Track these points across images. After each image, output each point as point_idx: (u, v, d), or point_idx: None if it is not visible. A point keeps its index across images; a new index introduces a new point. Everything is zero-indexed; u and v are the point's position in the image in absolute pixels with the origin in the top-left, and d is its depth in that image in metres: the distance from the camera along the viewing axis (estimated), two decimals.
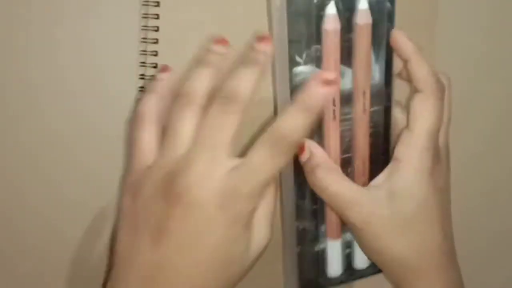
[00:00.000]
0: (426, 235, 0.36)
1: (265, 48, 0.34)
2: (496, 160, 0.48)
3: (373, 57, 0.37)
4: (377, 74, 0.37)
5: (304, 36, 0.35)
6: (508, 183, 0.48)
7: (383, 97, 0.38)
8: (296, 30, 0.35)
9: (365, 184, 0.39)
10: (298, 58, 0.36)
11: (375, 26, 0.36)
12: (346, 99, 0.37)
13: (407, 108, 0.38)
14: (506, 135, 0.47)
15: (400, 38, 0.36)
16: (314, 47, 0.36)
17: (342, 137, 0.38)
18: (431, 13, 0.44)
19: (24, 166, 0.42)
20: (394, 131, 0.39)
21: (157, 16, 0.41)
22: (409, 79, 0.37)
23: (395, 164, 0.37)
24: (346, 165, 0.39)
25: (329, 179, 0.36)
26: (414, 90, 0.37)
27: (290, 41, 0.35)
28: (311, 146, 0.37)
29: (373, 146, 0.39)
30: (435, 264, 0.37)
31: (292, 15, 0.35)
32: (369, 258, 0.41)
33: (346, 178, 0.37)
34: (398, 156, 0.36)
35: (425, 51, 0.42)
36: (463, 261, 0.39)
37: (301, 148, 0.37)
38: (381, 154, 0.39)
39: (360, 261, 0.42)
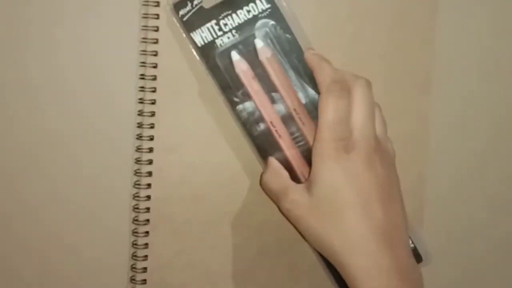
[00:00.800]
0: (341, 218, 0.39)
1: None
2: (497, 161, 0.47)
3: (294, 78, 0.42)
4: (307, 90, 0.42)
5: (228, 81, 0.42)
6: (508, 182, 0.48)
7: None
8: (222, 78, 0.42)
9: None
10: (235, 99, 0.42)
11: (285, 52, 0.42)
12: (288, 120, 0.42)
13: None
14: (507, 135, 0.47)
15: (307, 55, 0.42)
16: (241, 89, 0.42)
17: (306, 150, 0.42)
18: (430, 13, 0.44)
19: (24, 165, 0.43)
20: None
21: (157, 16, 0.41)
22: None
23: (312, 158, 0.40)
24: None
25: (268, 179, 0.42)
26: None
27: (222, 89, 0.42)
28: (269, 159, 0.43)
29: None
30: (356, 248, 0.38)
31: (212, 69, 0.41)
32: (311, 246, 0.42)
33: (283, 177, 0.42)
34: (312, 152, 0.40)
35: (425, 51, 0.42)
36: (469, 262, 0.39)
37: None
38: None
39: None
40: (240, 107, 0.42)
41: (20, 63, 0.41)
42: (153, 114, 0.42)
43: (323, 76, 0.41)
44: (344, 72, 0.41)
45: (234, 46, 0.41)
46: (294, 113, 0.42)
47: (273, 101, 0.42)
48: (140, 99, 0.42)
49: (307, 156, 0.42)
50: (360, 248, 0.38)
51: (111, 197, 0.43)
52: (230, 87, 0.41)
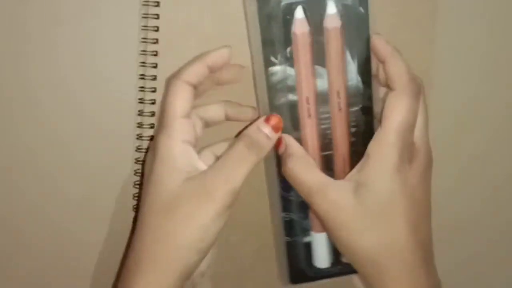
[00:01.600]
0: (390, 231, 0.37)
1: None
2: (498, 161, 0.47)
3: (349, 59, 0.38)
4: (353, 75, 0.39)
5: (277, 38, 0.38)
6: (509, 182, 0.48)
7: (360, 97, 0.40)
8: (269, 33, 0.38)
9: None
10: (273, 59, 0.38)
11: (350, 28, 0.38)
12: (325, 98, 0.39)
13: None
14: (508, 135, 0.47)
15: (377, 41, 0.38)
16: (289, 48, 0.38)
17: (322, 135, 0.40)
18: (431, 13, 0.44)
19: (24, 165, 0.43)
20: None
21: (157, 16, 0.41)
22: (385, 83, 0.39)
23: (365, 159, 0.38)
24: (328, 162, 0.41)
25: (297, 167, 0.38)
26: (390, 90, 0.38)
27: (264, 43, 0.38)
28: (287, 139, 0.39)
29: (354, 144, 0.40)
30: (400, 262, 0.37)
31: (264, 18, 0.37)
32: (342, 254, 0.41)
33: (315, 168, 0.38)
34: (368, 152, 0.37)
35: (425, 51, 0.42)
36: (469, 262, 0.39)
37: (278, 142, 0.39)
38: (363, 153, 0.40)
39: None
40: (274, 69, 0.38)
41: (20, 63, 0.41)
42: (153, 114, 0.42)
43: (399, 71, 0.37)
44: (412, 71, 0.38)
45: (301, 2, 0.37)
46: (335, 96, 0.38)
47: (315, 75, 0.38)
48: (140, 99, 0.42)
49: (326, 145, 0.39)
50: (408, 263, 0.37)
51: (111, 197, 0.43)
52: (274, 45, 0.38)
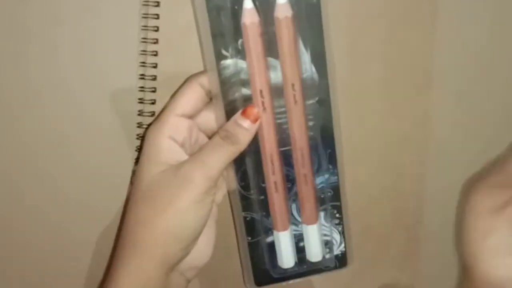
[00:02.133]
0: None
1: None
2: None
3: (302, 49, 0.37)
4: (307, 66, 0.38)
5: (227, 30, 0.37)
6: None
7: (316, 89, 0.39)
8: (219, 25, 0.36)
9: (307, 177, 0.40)
10: (224, 52, 0.37)
11: (301, 17, 0.37)
12: (278, 91, 0.38)
13: None
14: (507, 135, 0.47)
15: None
16: (240, 40, 0.37)
17: (280, 130, 0.39)
18: (430, 13, 0.44)
19: (24, 165, 0.43)
20: None
21: (157, 16, 0.41)
22: None
23: None
24: (287, 158, 0.40)
25: None
26: None
27: (214, 36, 0.36)
28: None
29: (312, 138, 0.40)
30: None
31: (212, 10, 0.36)
32: None
33: None
34: None
35: (425, 51, 0.42)
36: None
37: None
38: (323, 147, 0.40)
39: (314, 254, 0.42)
40: (226, 62, 0.37)
41: (20, 63, 0.41)
42: (153, 114, 0.42)
43: None
44: None
45: None
46: (290, 88, 0.37)
47: (268, 67, 0.37)
48: (140, 99, 0.42)
49: (284, 140, 0.39)
50: None
51: (111, 197, 0.43)
52: (224, 37, 0.37)
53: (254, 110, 0.38)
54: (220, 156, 0.38)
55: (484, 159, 0.46)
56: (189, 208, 0.37)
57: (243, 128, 0.38)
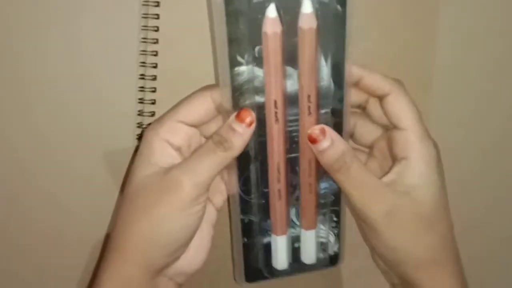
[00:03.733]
0: (445, 230, 0.38)
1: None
2: (499, 161, 0.47)
3: (322, 60, 0.37)
4: (325, 76, 0.37)
5: (245, 36, 0.35)
6: (510, 182, 0.48)
7: (331, 99, 0.38)
8: (237, 30, 0.35)
9: (312, 186, 0.39)
10: (240, 58, 0.36)
11: (325, 28, 0.36)
12: (293, 100, 0.37)
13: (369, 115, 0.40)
14: (509, 135, 0.47)
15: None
16: (258, 47, 0.36)
17: (289, 137, 0.38)
18: (432, 12, 0.44)
19: (24, 165, 0.43)
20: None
21: (157, 16, 0.41)
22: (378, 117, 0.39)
23: (402, 163, 0.37)
24: (293, 164, 0.40)
25: (354, 168, 0.37)
26: (380, 98, 0.38)
27: (230, 41, 0.35)
28: (332, 134, 0.37)
29: None
30: (449, 260, 0.38)
31: (231, 14, 0.34)
32: (378, 255, 0.41)
33: (367, 168, 0.38)
34: (402, 155, 0.37)
35: (426, 50, 0.42)
36: (469, 262, 0.40)
37: (322, 133, 0.37)
38: None
39: (308, 256, 0.42)
40: (240, 69, 0.36)
41: (19, 63, 0.41)
42: (153, 114, 0.42)
43: (379, 79, 0.38)
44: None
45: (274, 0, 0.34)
46: (305, 99, 0.36)
47: (285, 76, 0.36)
48: (140, 99, 0.42)
49: (292, 148, 0.38)
50: (446, 263, 0.38)
51: (111, 198, 0.43)
52: (241, 44, 0.35)
53: (249, 113, 0.36)
54: (211, 163, 0.36)
55: (484, 159, 0.46)
56: (171, 215, 0.35)
57: (237, 133, 0.36)
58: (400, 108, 0.37)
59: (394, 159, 0.38)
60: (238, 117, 0.36)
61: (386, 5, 0.43)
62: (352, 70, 0.37)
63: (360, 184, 0.37)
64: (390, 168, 0.38)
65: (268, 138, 0.38)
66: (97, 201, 0.43)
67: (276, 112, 0.37)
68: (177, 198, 0.35)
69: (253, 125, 0.36)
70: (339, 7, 0.35)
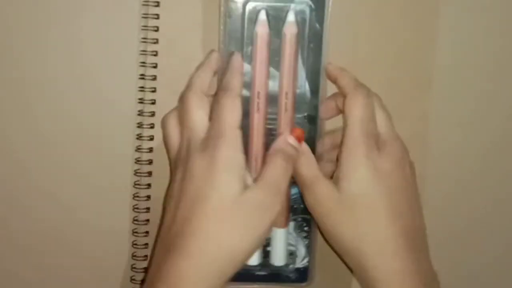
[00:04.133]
0: (369, 219, 0.38)
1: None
2: (498, 161, 0.47)
3: (301, 65, 0.42)
4: (303, 82, 0.42)
5: (240, 37, 0.41)
6: (510, 183, 0.48)
7: (307, 105, 0.42)
8: (234, 29, 0.41)
9: None
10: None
11: (304, 40, 0.41)
12: (274, 99, 0.41)
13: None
14: (508, 135, 0.47)
15: (329, 68, 0.42)
16: (250, 48, 0.41)
17: (268, 135, 0.41)
18: (432, 13, 0.44)
19: (24, 165, 0.43)
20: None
21: (157, 16, 0.41)
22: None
23: (339, 156, 0.40)
24: None
25: (299, 162, 0.40)
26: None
27: (231, 39, 0.41)
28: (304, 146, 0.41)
29: None
30: (380, 250, 0.38)
31: (229, 14, 0.40)
32: (333, 248, 0.41)
33: (314, 163, 0.41)
34: (341, 149, 0.40)
35: (426, 51, 0.42)
36: (469, 262, 0.39)
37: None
38: None
39: (278, 258, 0.43)
40: None
41: (19, 63, 0.41)
42: (153, 114, 0.42)
43: (347, 80, 0.41)
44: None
45: (265, 7, 0.41)
46: (283, 96, 0.41)
47: (269, 75, 0.41)
48: (140, 99, 0.42)
49: (269, 142, 0.41)
50: (389, 250, 0.38)
51: (111, 197, 0.43)
52: (238, 43, 0.41)
53: (300, 131, 0.41)
54: (287, 182, 0.39)
55: (484, 159, 0.46)
56: (264, 234, 0.38)
57: (292, 146, 0.40)
58: (347, 108, 0.40)
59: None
60: (292, 133, 0.41)
61: (386, 5, 0.43)
62: (330, 70, 0.42)
63: (299, 175, 0.40)
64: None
65: (250, 127, 0.41)
66: (97, 201, 0.43)
67: (258, 103, 0.41)
68: (271, 219, 0.38)
69: (303, 141, 0.41)
70: (317, 25, 0.41)
